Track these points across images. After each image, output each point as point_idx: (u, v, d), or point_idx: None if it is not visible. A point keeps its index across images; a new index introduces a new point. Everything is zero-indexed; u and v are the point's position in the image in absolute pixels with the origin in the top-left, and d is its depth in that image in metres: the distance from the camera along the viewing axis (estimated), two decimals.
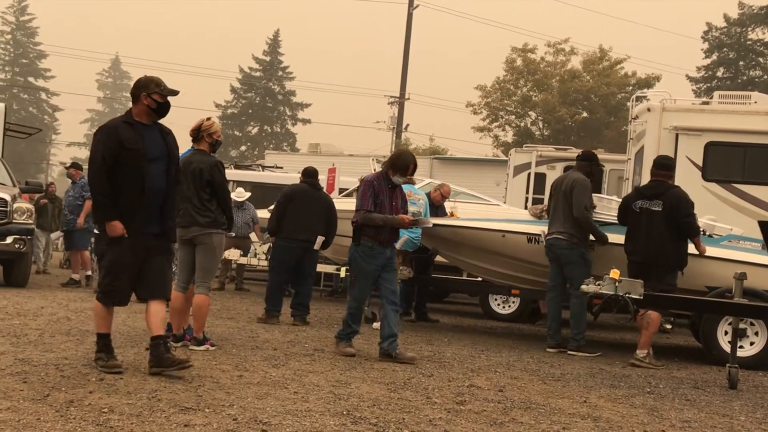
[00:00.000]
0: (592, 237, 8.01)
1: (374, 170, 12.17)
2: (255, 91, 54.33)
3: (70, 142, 64.17)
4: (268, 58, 54.45)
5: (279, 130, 54.53)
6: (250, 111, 54.25)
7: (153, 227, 5.39)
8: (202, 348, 6.46)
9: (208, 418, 4.18)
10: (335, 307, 11.00)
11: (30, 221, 11.35)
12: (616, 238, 7.94)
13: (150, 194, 5.32)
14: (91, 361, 5.51)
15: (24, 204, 11.54)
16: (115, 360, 5.33)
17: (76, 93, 79.67)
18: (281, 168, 18.15)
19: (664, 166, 7.92)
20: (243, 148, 53.39)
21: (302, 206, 8.99)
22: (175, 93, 5.52)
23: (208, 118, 6.91)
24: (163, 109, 5.49)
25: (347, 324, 6.96)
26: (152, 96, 5.40)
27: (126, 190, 5.29)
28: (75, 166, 12.81)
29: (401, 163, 6.95)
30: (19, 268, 11.27)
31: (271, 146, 50.75)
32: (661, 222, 7.48)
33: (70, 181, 12.71)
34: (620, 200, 8.56)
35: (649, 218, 7.54)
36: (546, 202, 8.60)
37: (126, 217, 5.26)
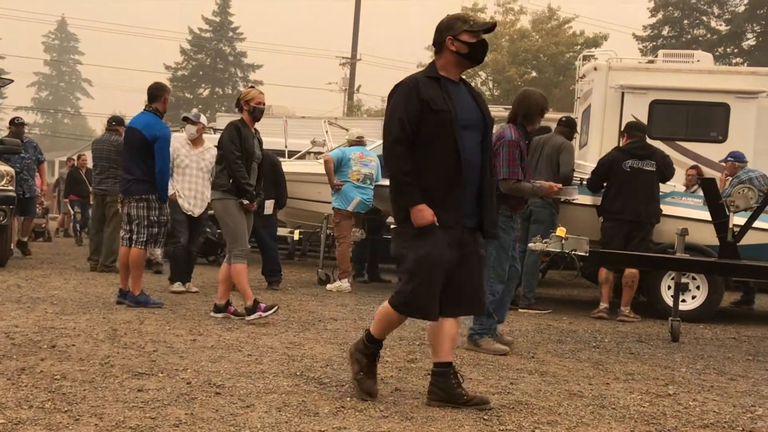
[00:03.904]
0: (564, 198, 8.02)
1: (326, 132, 12.16)
2: (205, 53, 53.57)
3: (17, 107, 62.56)
4: (218, 19, 53.62)
5: (231, 91, 53.90)
6: (201, 73, 53.51)
7: (468, 217, 4.04)
8: (254, 317, 6.38)
9: (161, 382, 4.21)
10: (289, 270, 11.05)
11: (10, 187, 9.79)
12: (584, 199, 8.17)
13: (466, 172, 3.98)
14: (43, 328, 5.48)
15: (2, 167, 9.94)
16: (374, 381, 4.15)
17: (22, 56, 77.59)
18: None
19: (642, 128, 8.34)
20: (194, 110, 52.70)
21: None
22: (490, 27, 4.17)
23: (251, 86, 6.74)
24: (479, 51, 4.12)
25: (489, 314, 5.69)
26: (460, 38, 4.06)
27: (433, 167, 3.95)
28: (13, 123, 11.55)
29: (536, 108, 5.74)
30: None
31: (223, 108, 50.11)
32: (654, 181, 7.84)
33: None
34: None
35: (643, 177, 7.77)
36: None
37: (435, 203, 3.92)
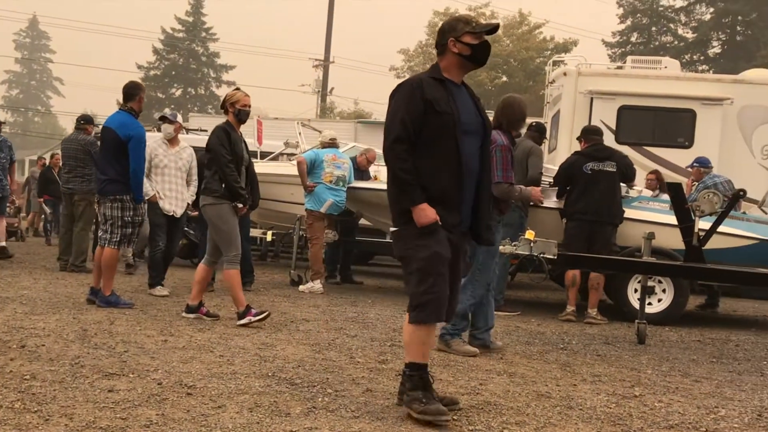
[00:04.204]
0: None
1: (299, 133, 12.18)
2: (178, 53, 53.20)
3: None
4: (191, 19, 53.31)
5: (203, 92, 53.65)
6: (174, 73, 53.15)
7: (463, 222, 4.02)
8: (244, 321, 6.32)
9: (132, 383, 4.21)
10: (262, 270, 11.04)
11: None
12: (551, 203, 8.28)
13: (466, 176, 3.94)
14: (12, 328, 5.44)
15: None
16: (439, 404, 3.84)
17: None
18: (206, 131, 17.88)
19: (599, 131, 8.46)
20: (167, 110, 52.33)
21: None
22: (492, 28, 4.12)
23: (237, 89, 6.66)
24: (481, 53, 4.07)
25: (464, 316, 5.76)
26: (462, 39, 4.03)
27: (434, 169, 3.90)
28: None
29: (520, 114, 5.98)
30: None
31: (196, 108, 49.91)
32: (615, 181, 7.97)
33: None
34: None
35: (605, 178, 7.89)
36: None
37: (436, 203, 3.87)
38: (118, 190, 7.01)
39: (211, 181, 6.38)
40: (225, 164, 6.32)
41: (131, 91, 7.27)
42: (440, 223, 3.85)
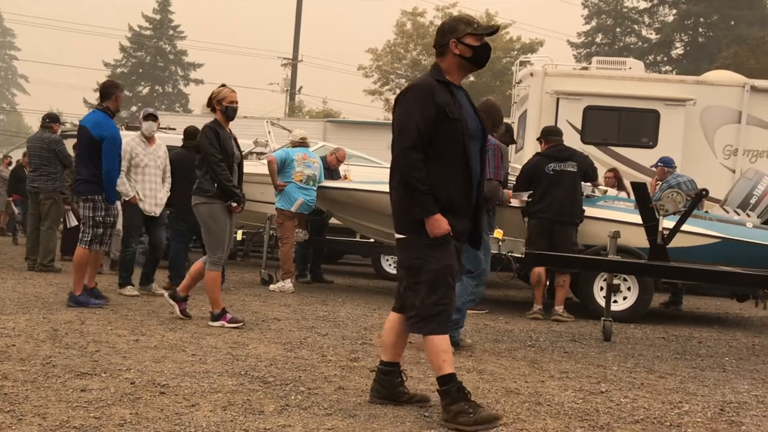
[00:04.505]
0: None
1: (269, 132, 12.17)
2: (145, 50, 52.71)
3: None
4: (158, 17, 52.82)
5: (171, 90, 53.17)
6: (141, 71, 52.65)
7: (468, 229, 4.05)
8: (216, 324, 6.28)
9: (105, 382, 4.21)
10: (232, 270, 11.01)
11: None
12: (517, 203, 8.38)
13: (474, 182, 3.93)
14: None
15: None
16: (487, 409, 3.88)
17: None
18: (174, 129, 17.79)
19: (559, 132, 8.55)
20: (134, 108, 51.88)
21: (185, 176, 8.38)
22: (494, 30, 4.07)
23: (223, 85, 6.53)
24: (482, 55, 4.00)
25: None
26: (464, 41, 3.95)
27: (444, 176, 3.82)
28: None
29: (501, 115, 6.27)
30: None
31: (164, 107, 49.46)
32: (576, 180, 8.08)
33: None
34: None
35: (566, 178, 8.01)
36: None
37: (446, 211, 3.81)
38: (89, 190, 6.97)
39: (203, 181, 6.32)
40: (215, 163, 6.25)
41: (107, 90, 7.23)
42: (452, 234, 3.80)
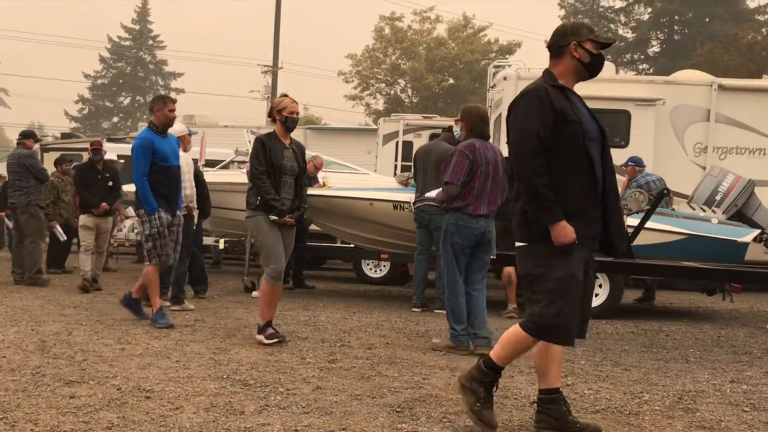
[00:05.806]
0: None
1: (249, 141, 12.34)
2: (125, 61, 52.72)
3: None
4: (137, 27, 52.85)
5: None
6: (121, 81, 52.73)
7: (595, 237, 3.88)
8: (258, 337, 6.16)
9: (92, 389, 4.41)
10: (215, 278, 11.20)
11: None
12: None
13: (598, 188, 3.80)
14: None
15: None
16: (492, 411, 3.90)
17: None
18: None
19: None
20: (115, 119, 51.96)
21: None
22: (611, 43, 4.03)
23: (284, 95, 6.33)
24: (598, 64, 3.89)
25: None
26: (584, 45, 3.84)
27: (567, 182, 3.72)
28: None
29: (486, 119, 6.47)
30: None
31: (145, 117, 49.38)
32: None
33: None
34: None
35: None
36: (412, 170, 9.12)
37: (571, 218, 3.68)
38: (136, 206, 7.09)
39: (249, 194, 6.24)
40: (256, 176, 6.14)
41: (149, 106, 7.25)
42: (577, 242, 3.68)
